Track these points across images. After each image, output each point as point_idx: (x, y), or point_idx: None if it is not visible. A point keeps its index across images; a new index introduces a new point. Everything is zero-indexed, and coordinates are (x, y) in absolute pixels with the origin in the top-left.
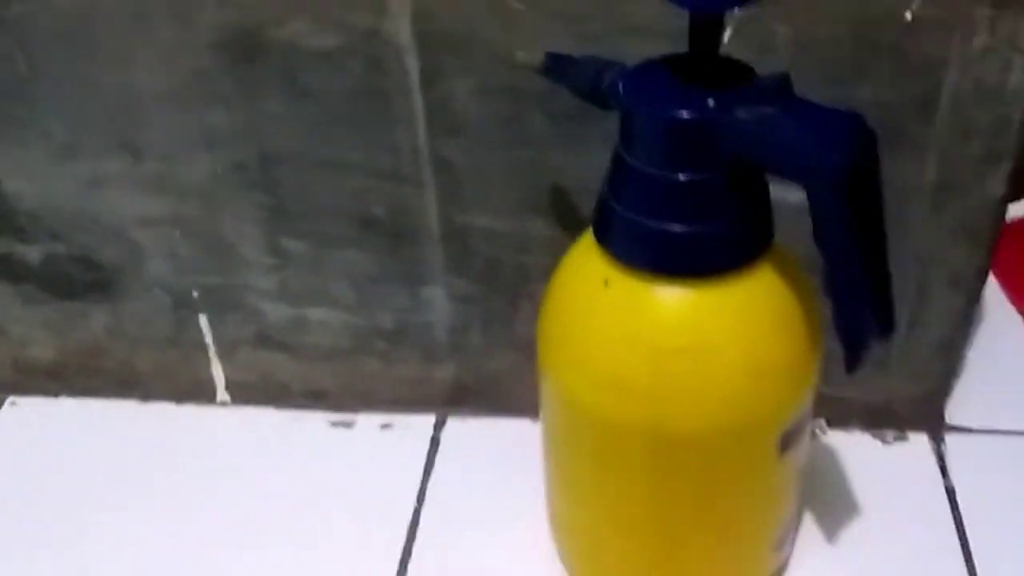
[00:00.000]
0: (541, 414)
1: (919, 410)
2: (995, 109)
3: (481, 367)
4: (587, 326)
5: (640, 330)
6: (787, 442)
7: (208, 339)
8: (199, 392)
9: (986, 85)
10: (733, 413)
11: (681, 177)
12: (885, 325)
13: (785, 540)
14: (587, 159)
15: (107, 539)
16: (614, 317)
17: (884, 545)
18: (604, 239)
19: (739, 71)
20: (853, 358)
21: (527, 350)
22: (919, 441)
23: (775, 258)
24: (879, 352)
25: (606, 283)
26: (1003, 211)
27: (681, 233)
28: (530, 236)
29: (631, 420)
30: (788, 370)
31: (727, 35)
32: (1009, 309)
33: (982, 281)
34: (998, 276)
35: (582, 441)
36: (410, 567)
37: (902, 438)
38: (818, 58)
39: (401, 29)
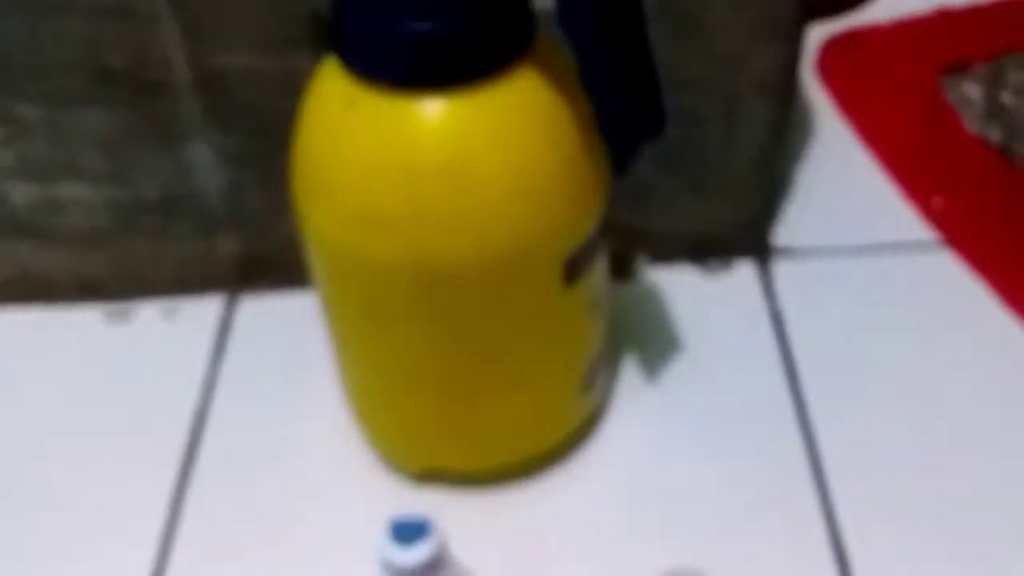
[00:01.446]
0: (311, 267)
1: (743, 234)
2: None
3: (268, 235)
4: (335, 157)
5: (392, 152)
6: (573, 269)
7: None
8: None
9: None
10: (504, 239)
11: None
12: (653, 119)
13: (593, 381)
14: None
15: None
16: (363, 141)
17: (709, 381)
18: (345, 55)
19: None
20: (619, 159)
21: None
22: (745, 267)
23: (540, 58)
24: (658, 145)
25: (351, 104)
26: (805, 3)
27: (424, 33)
28: (297, 74)
29: (392, 256)
30: (565, 185)
31: None
32: (838, 123)
33: (791, 84)
34: (828, 88)
35: (347, 291)
36: (200, 456)
37: (727, 266)
38: None
39: None
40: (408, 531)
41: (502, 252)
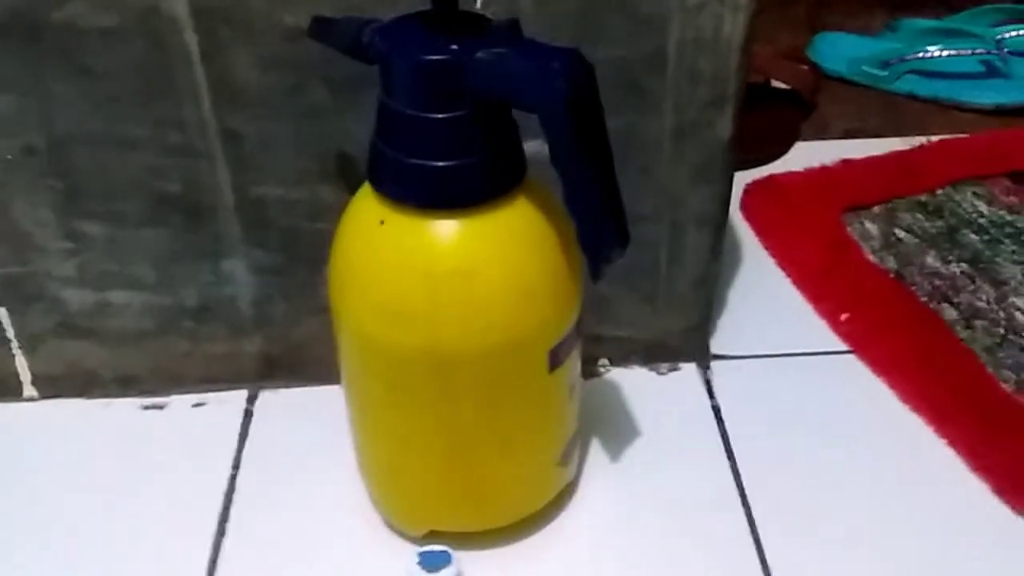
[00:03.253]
0: (339, 356)
1: (687, 342)
2: (715, 58)
3: (288, 337)
4: (368, 263)
5: (414, 260)
6: (556, 359)
7: (9, 333)
8: (4, 388)
9: (705, 37)
10: (502, 332)
11: (437, 116)
12: (620, 237)
13: (569, 457)
14: (369, 124)
15: None
16: (391, 252)
17: (662, 460)
18: (377, 183)
19: (477, 21)
20: (595, 268)
21: (330, 316)
22: (689, 370)
23: (530, 191)
24: (620, 264)
25: (381, 222)
26: (734, 152)
27: (442, 168)
28: (323, 203)
29: (412, 345)
30: (550, 290)
31: (479, 3)
32: (761, 252)
33: (723, 218)
34: (751, 223)
35: (373, 372)
36: (228, 528)
37: (675, 369)
38: (560, 20)
39: (178, 4)
40: (433, 559)
41: (501, 343)
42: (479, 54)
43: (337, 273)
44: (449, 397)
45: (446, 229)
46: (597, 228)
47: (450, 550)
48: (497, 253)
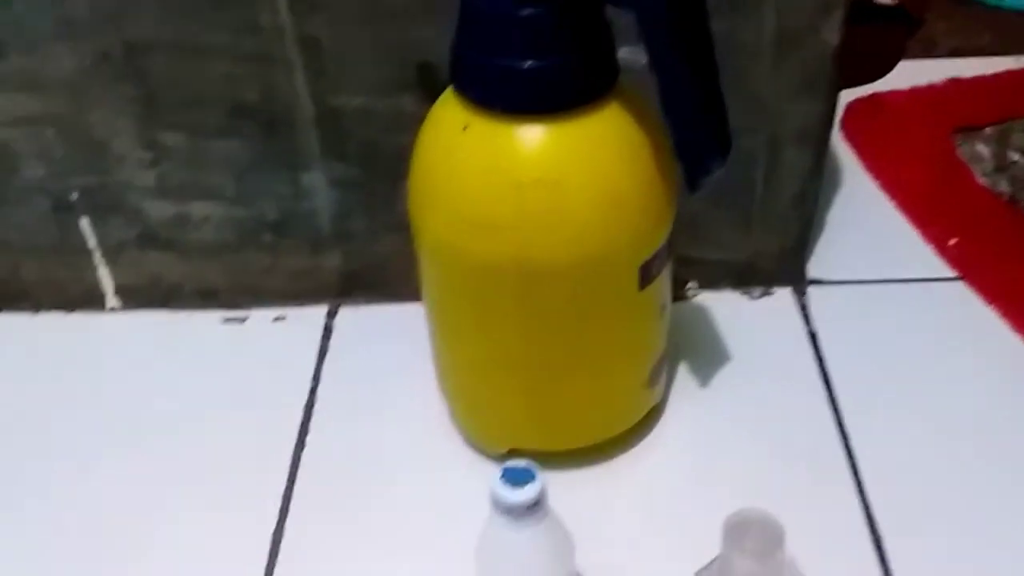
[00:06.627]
0: (420, 270)
1: (781, 266)
2: None
3: (368, 253)
4: (451, 171)
5: (500, 167)
6: (646, 275)
7: (91, 243)
8: (89, 299)
9: None
10: (592, 244)
11: (523, 12)
12: (721, 145)
13: (657, 378)
14: (452, 32)
15: (9, 453)
16: (475, 159)
17: (754, 386)
18: (460, 86)
19: None
20: (693, 178)
21: (410, 231)
22: (783, 295)
23: (622, 96)
24: (720, 175)
25: (465, 128)
26: (839, 62)
27: (528, 70)
28: (404, 114)
29: (499, 256)
30: (642, 201)
31: None
32: (862, 175)
33: (827, 133)
34: (852, 144)
35: (456, 287)
36: (308, 441)
37: (768, 293)
38: None
39: None
40: (517, 476)
41: (590, 255)
42: None
43: (418, 183)
44: (535, 313)
45: (533, 135)
46: (696, 134)
47: (535, 467)
48: (587, 161)
